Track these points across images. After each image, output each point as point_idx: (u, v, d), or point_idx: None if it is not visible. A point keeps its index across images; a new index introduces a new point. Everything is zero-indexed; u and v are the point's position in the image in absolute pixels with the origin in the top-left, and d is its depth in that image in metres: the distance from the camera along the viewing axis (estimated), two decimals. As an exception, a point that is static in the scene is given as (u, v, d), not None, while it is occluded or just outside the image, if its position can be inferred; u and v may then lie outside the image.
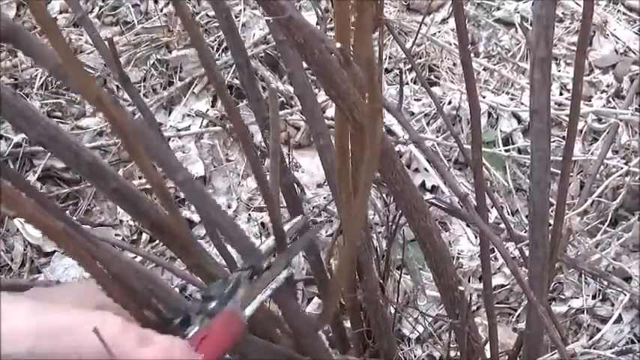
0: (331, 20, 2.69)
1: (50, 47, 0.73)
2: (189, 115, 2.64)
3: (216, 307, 1.02)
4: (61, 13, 2.89)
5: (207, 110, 2.63)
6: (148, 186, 2.46)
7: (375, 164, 0.85)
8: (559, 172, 1.41)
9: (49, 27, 0.67)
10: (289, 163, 1.93)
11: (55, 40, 0.69)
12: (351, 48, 1.12)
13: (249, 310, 1.05)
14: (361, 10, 0.69)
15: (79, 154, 0.93)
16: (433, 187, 2.46)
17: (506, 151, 2.50)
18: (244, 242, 1.10)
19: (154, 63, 2.73)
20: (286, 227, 1.16)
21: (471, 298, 2.08)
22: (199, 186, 1.05)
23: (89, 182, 1.08)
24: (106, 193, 0.98)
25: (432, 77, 2.73)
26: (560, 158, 1.40)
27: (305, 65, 1.39)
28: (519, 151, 2.52)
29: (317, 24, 2.55)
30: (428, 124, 2.62)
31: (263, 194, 1.11)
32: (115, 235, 2.38)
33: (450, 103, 2.61)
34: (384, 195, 2.20)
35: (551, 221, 1.46)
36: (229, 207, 2.44)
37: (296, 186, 1.90)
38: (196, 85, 2.70)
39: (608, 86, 2.66)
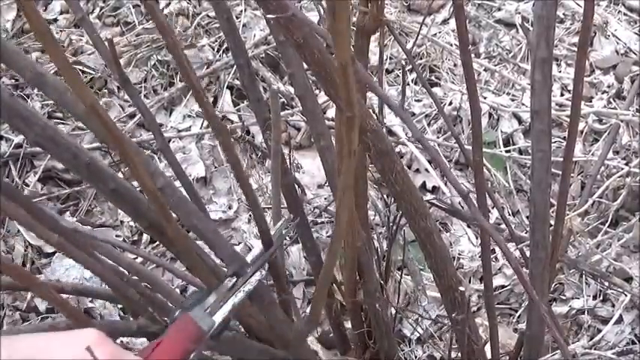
0: (332, 21, 2.69)
1: (27, 56, 0.73)
2: (189, 116, 2.64)
3: (178, 315, 1.04)
4: (61, 13, 2.89)
5: (208, 111, 2.63)
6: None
7: (352, 173, 0.85)
8: (560, 172, 1.41)
9: (44, 35, 0.66)
10: (290, 163, 1.93)
11: (51, 48, 0.68)
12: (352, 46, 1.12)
13: (220, 314, 1.07)
14: (338, 11, 0.67)
15: (78, 155, 0.93)
16: (434, 187, 2.46)
17: (507, 151, 2.49)
18: (226, 249, 1.10)
19: (154, 64, 2.73)
20: (272, 232, 1.17)
21: (471, 298, 2.08)
22: (180, 192, 1.05)
23: (88, 183, 1.08)
24: (105, 194, 0.98)
25: (433, 78, 2.73)
26: (561, 159, 1.40)
27: (305, 66, 1.39)
28: (520, 152, 2.52)
29: (318, 23, 2.55)
30: (429, 124, 2.62)
31: (248, 200, 1.10)
32: (116, 235, 2.38)
33: (450, 103, 2.61)
34: (385, 196, 2.20)
35: (552, 222, 1.46)
36: (230, 208, 2.44)
37: (297, 187, 1.90)
38: (197, 85, 2.70)
39: (608, 87, 2.66)
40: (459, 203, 2.27)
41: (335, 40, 0.69)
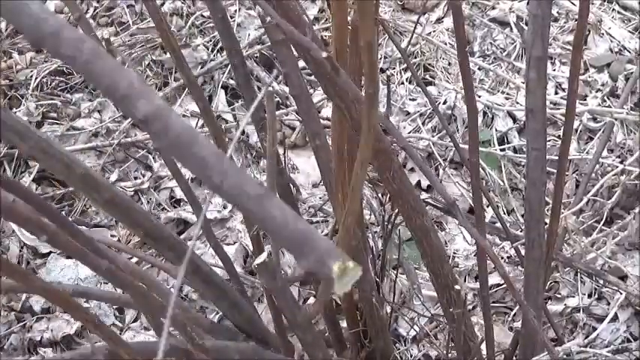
0: (326, 20, 2.70)
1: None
2: (184, 116, 2.64)
3: None
4: (56, 13, 2.89)
5: (203, 111, 2.62)
6: (142, 187, 2.46)
7: (371, 146, 0.86)
8: (555, 171, 1.42)
9: None
10: (285, 163, 1.93)
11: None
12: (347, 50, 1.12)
13: None
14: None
15: (71, 166, 0.93)
16: (429, 186, 2.46)
17: (502, 150, 2.50)
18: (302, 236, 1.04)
19: (149, 64, 2.72)
20: None
21: (466, 297, 2.08)
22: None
23: (83, 194, 1.08)
24: (99, 204, 0.98)
25: (428, 77, 2.73)
26: (556, 157, 1.41)
27: (300, 65, 1.39)
28: (515, 151, 2.52)
29: (312, 22, 2.55)
30: (423, 123, 2.62)
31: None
32: (111, 235, 2.37)
33: (445, 102, 2.61)
34: (380, 195, 2.20)
35: (547, 220, 1.46)
36: (225, 207, 2.44)
37: (292, 186, 1.90)
38: (191, 85, 2.69)
39: (603, 85, 2.67)
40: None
41: (360, 20, 0.70)
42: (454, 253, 2.34)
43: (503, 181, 2.44)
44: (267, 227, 0.46)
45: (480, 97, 2.61)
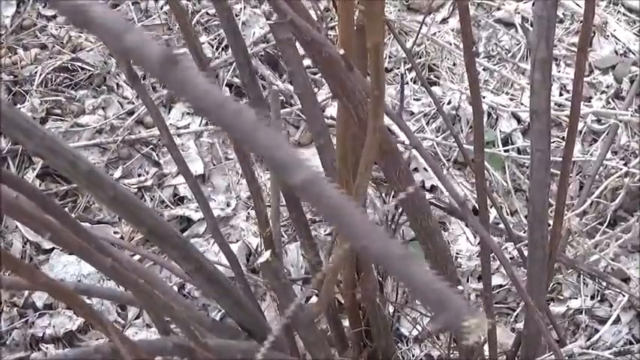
0: (331, 20, 2.70)
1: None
2: (188, 114, 2.64)
3: None
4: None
5: (207, 108, 2.62)
6: (146, 184, 2.46)
7: (377, 147, 0.86)
8: (558, 172, 1.42)
9: None
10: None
11: None
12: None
13: None
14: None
15: (76, 163, 0.93)
16: (432, 186, 2.46)
17: (506, 151, 2.49)
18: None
19: (153, 61, 2.72)
20: None
21: (469, 297, 2.08)
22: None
23: (87, 192, 1.09)
24: (104, 202, 0.98)
25: (432, 77, 2.73)
26: (560, 159, 1.40)
27: (305, 64, 1.39)
28: (519, 152, 2.52)
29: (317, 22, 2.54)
30: (427, 123, 2.61)
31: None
32: (114, 232, 2.37)
33: (449, 102, 2.60)
34: (383, 194, 2.20)
35: (551, 222, 1.46)
36: (228, 205, 2.44)
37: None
38: (196, 83, 2.69)
39: (607, 87, 2.66)
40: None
41: (368, 21, 0.71)
42: (457, 253, 2.34)
43: (506, 182, 2.43)
44: (410, 285, 0.53)
45: (484, 97, 2.60)
